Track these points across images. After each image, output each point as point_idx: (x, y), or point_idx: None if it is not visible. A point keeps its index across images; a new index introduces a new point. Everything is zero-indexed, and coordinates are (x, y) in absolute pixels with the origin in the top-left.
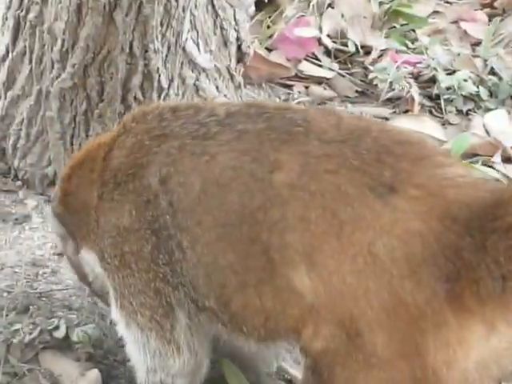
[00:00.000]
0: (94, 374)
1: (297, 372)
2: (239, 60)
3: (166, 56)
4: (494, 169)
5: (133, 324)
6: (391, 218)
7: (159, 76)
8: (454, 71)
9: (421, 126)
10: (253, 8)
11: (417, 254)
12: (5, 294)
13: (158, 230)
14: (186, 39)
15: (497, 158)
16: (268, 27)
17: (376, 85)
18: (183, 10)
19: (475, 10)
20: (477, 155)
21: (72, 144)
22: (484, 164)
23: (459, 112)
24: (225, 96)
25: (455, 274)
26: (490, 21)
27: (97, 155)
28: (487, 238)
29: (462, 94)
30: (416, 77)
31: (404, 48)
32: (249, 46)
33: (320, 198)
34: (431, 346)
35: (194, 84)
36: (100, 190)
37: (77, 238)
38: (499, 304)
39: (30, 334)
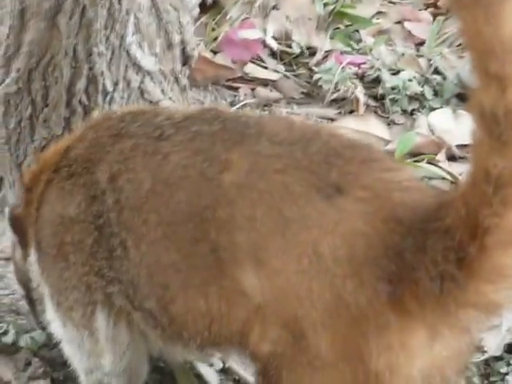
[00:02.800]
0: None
1: (245, 373)
2: (184, 63)
3: (111, 59)
4: (438, 167)
5: (68, 322)
6: (336, 217)
7: (104, 79)
8: (399, 71)
9: (366, 126)
10: (197, 10)
11: (360, 254)
12: None
13: (101, 226)
14: (130, 42)
15: (441, 156)
16: (213, 29)
17: (321, 86)
18: (127, 13)
19: (419, 9)
20: (421, 154)
21: (17, 149)
22: (429, 162)
23: (404, 112)
24: (170, 99)
25: (397, 275)
26: (434, 20)
27: (61, 145)
28: (428, 239)
29: (406, 94)
30: (361, 77)
31: (349, 49)
32: (194, 49)
33: (267, 196)
34: (374, 349)
35: (139, 87)
36: (50, 176)
37: (26, 243)
38: (438, 306)
39: None
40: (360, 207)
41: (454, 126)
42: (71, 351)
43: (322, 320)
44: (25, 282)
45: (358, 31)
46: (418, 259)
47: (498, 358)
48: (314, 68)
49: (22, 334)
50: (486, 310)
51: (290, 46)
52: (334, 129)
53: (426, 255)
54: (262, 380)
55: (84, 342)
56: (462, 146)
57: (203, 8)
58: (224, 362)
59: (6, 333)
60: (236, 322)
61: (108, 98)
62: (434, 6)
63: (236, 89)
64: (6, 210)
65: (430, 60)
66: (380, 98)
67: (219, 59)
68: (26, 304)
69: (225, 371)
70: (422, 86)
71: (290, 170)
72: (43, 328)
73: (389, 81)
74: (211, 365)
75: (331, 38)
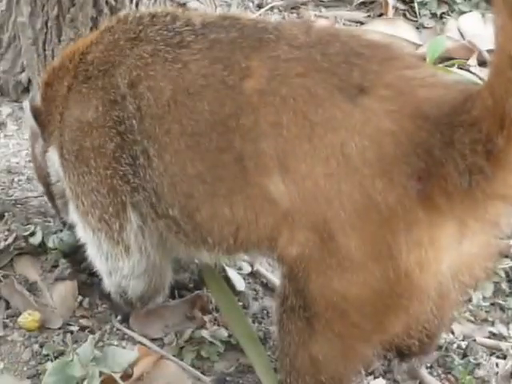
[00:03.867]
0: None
1: (272, 275)
2: None
3: None
4: (470, 72)
5: (86, 225)
6: (362, 117)
7: None
8: None
9: (395, 29)
10: None
11: (388, 153)
12: None
13: (123, 133)
14: None
15: (472, 61)
16: None
17: None
18: None
19: None
20: (452, 58)
21: (44, 50)
22: (460, 67)
23: (433, 15)
24: (198, 0)
25: (426, 172)
26: None
27: (78, 48)
28: (455, 133)
29: None
30: None
31: None
32: None
33: (290, 101)
34: (403, 246)
35: None
36: (70, 81)
37: (46, 136)
38: (467, 199)
39: (5, 240)
40: (385, 106)
41: (484, 30)
42: (92, 253)
43: (351, 221)
44: (44, 177)
45: None
46: (446, 154)
47: None
48: None
49: (50, 236)
50: None
51: None
52: (352, 30)
53: (454, 149)
54: (288, 283)
55: (102, 245)
56: (492, 51)
57: None
58: (252, 266)
59: (33, 234)
60: (264, 228)
61: (135, 0)
62: None
63: None
64: (26, 103)
65: None
66: (408, 1)
67: None
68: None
69: (252, 274)
70: None
71: (311, 73)
72: (64, 223)
73: None
74: (239, 268)
75: None
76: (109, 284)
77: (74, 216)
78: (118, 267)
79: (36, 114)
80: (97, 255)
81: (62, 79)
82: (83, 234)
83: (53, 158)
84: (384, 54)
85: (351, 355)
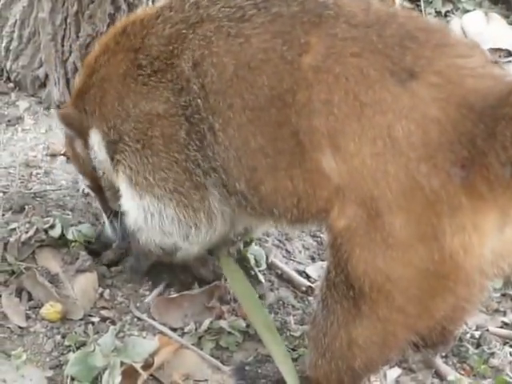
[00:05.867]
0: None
1: (287, 267)
2: None
3: None
4: None
5: (147, 195)
6: (410, 102)
7: None
8: None
9: None
10: None
11: (433, 139)
12: (0, 195)
13: (190, 116)
14: None
15: None
16: None
17: None
18: None
19: None
20: None
21: (63, 45)
22: None
23: (438, 13)
24: None
25: (469, 160)
26: None
27: (131, 35)
28: (498, 125)
29: None
30: None
31: None
32: None
33: (343, 80)
34: (447, 229)
35: None
36: (135, 73)
37: (84, 134)
38: (508, 189)
39: (27, 232)
40: (433, 93)
41: (486, 28)
42: (140, 217)
43: (396, 200)
44: (90, 173)
45: None
46: (488, 145)
47: None
48: None
49: (69, 228)
50: None
51: None
52: (410, 12)
53: (496, 141)
54: (332, 253)
55: (167, 211)
56: (493, 50)
57: None
58: (267, 257)
59: (53, 227)
60: (320, 200)
61: None
62: None
63: None
64: (53, 110)
65: None
66: (415, 0)
67: None
68: (72, 199)
69: (267, 266)
70: None
71: (366, 54)
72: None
73: None
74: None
75: None
76: (149, 242)
77: (128, 192)
78: (189, 232)
79: (66, 119)
80: (153, 218)
81: (117, 68)
82: (137, 203)
83: (95, 139)
84: (438, 39)
85: (391, 342)
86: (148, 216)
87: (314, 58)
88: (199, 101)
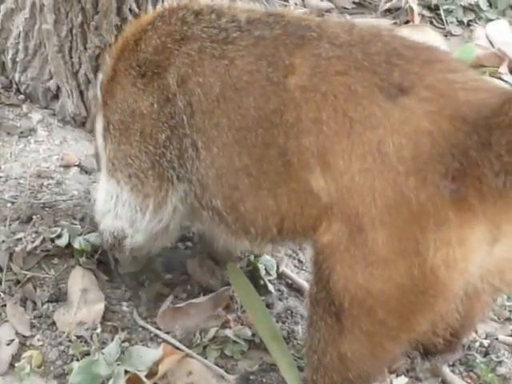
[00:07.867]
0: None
1: (298, 277)
2: None
3: None
4: (502, 80)
5: (111, 179)
6: (401, 116)
7: None
8: None
9: (423, 36)
10: None
11: (424, 152)
12: (8, 205)
13: (174, 127)
14: None
15: (503, 69)
16: None
17: None
18: None
19: None
20: (483, 66)
21: (71, 57)
22: (491, 75)
23: (460, 23)
24: None
25: (461, 172)
26: None
27: (130, 35)
28: (492, 135)
29: (461, 5)
30: None
31: None
32: None
33: (331, 98)
34: (431, 244)
35: None
36: (126, 71)
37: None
38: (500, 200)
39: (33, 242)
40: (424, 106)
41: None
42: (101, 198)
43: (381, 216)
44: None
45: None
46: (482, 155)
47: None
48: None
49: (76, 237)
50: None
51: None
52: (394, 30)
53: (490, 150)
54: (314, 269)
55: (122, 195)
56: None
57: None
58: (278, 267)
59: (60, 236)
60: (310, 218)
61: (158, 6)
62: None
63: None
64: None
65: None
66: (434, 9)
67: None
68: (82, 209)
69: (278, 275)
70: None
71: (352, 71)
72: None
73: None
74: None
75: None
76: (104, 223)
77: (102, 175)
78: (135, 218)
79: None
80: (109, 200)
81: (121, 65)
82: (104, 185)
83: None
84: (427, 56)
85: (379, 353)
86: (108, 198)
87: (299, 78)
88: (184, 117)
